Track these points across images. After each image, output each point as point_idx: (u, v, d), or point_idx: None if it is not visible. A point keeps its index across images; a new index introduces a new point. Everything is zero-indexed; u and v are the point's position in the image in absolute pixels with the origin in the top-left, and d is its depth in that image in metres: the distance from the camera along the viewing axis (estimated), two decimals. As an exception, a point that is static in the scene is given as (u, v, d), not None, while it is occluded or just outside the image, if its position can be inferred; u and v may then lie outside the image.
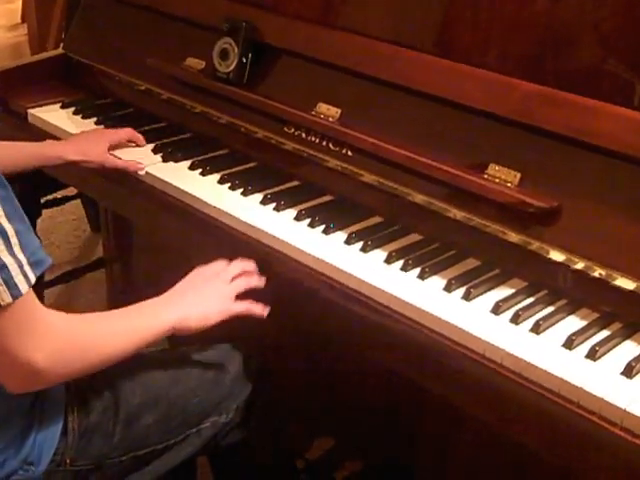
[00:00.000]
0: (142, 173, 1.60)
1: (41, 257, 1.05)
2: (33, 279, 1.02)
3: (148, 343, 1.20)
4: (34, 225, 2.07)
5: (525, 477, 1.53)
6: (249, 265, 1.35)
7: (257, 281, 1.35)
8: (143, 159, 1.63)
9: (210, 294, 1.29)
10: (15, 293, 1.00)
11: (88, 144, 1.63)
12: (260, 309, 1.32)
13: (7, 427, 1.18)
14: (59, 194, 2.53)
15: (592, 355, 1.11)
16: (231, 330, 1.76)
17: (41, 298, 2.31)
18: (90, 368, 1.14)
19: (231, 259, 1.36)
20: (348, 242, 1.36)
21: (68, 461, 1.23)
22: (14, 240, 1.00)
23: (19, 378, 1.07)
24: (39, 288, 2.29)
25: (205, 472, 1.60)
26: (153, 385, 1.33)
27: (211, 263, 1.34)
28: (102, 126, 1.79)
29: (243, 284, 1.33)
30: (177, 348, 1.48)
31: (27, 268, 1.01)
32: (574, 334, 1.14)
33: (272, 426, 1.49)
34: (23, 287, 1.00)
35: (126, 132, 1.69)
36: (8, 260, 0.99)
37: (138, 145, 1.69)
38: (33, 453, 1.19)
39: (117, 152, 1.66)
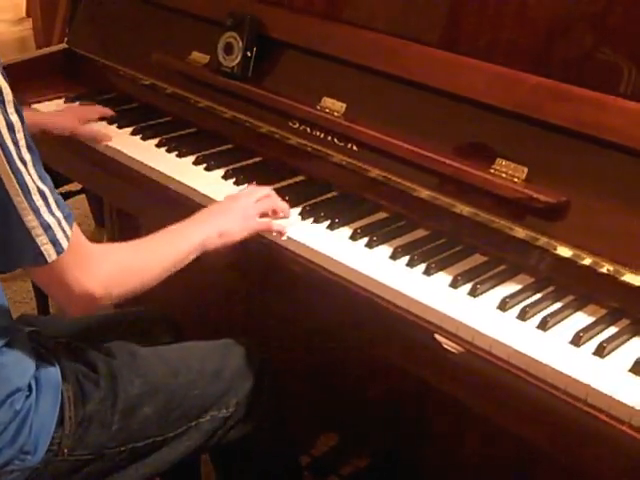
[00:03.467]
0: (110, 144, 1.67)
1: (68, 211, 1.10)
2: (70, 232, 1.09)
3: (183, 261, 1.27)
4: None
5: (531, 473, 1.52)
6: (274, 193, 1.44)
7: (282, 204, 1.42)
8: (149, 154, 1.63)
9: (236, 213, 1.36)
10: (59, 249, 1.07)
11: (58, 117, 1.75)
12: (281, 227, 1.38)
13: (2, 415, 1.17)
14: (63, 189, 2.52)
15: (600, 352, 1.10)
16: (233, 324, 1.76)
17: (45, 295, 2.32)
18: (138, 287, 1.21)
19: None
20: (353, 238, 1.35)
21: (65, 451, 1.22)
22: (51, 199, 1.07)
23: (80, 306, 1.16)
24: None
25: (208, 472, 1.59)
26: (153, 376, 1.33)
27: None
28: (105, 122, 1.78)
29: (268, 203, 1.40)
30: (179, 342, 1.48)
31: (64, 223, 1.08)
32: (582, 331, 1.13)
33: (276, 422, 1.48)
34: (64, 243, 1.07)
35: (98, 110, 1.79)
36: (50, 220, 1.06)
37: (115, 119, 1.77)
38: (29, 442, 1.19)
39: (120, 146, 1.65)
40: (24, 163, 1.03)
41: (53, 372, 1.25)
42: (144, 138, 1.71)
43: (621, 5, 1.25)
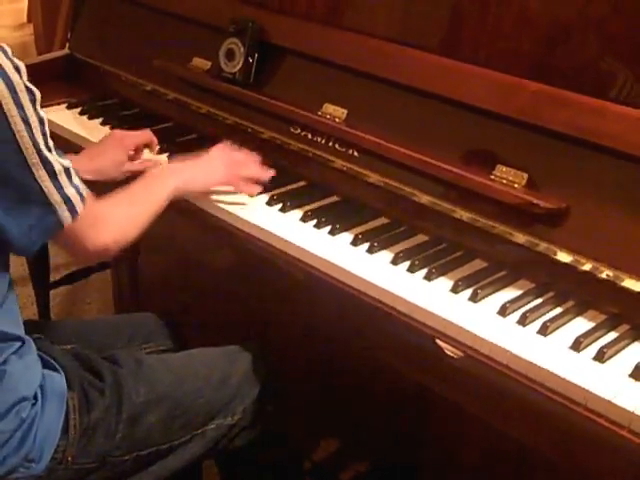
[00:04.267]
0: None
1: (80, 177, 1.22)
2: (86, 194, 1.21)
3: (162, 207, 1.37)
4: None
5: (530, 479, 1.53)
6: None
7: (261, 169, 1.51)
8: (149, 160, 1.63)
9: (216, 163, 1.49)
10: (74, 215, 1.18)
11: (104, 160, 1.56)
12: (252, 188, 1.49)
13: (7, 424, 1.18)
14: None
15: (600, 357, 1.10)
16: (234, 329, 1.76)
17: (47, 299, 2.32)
18: (135, 234, 1.32)
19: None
20: (354, 243, 1.36)
21: (70, 459, 1.23)
22: (72, 171, 1.19)
23: (95, 258, 1.39)
24: (45, 288, 2.30)
25: (211, 473, 1.60)
26: (158, 384, 1.33)
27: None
28: (108, 126, 1.79)
29: (247, 160, 1.51)
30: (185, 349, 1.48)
31: (82, 189, 1.20)
32: (581, 336, 1.13)
33: (278, 427, 1.49)
34: (79, 207, 1.18)
35: (144, 135, 1.63)
36: (70, 191, 1.17)
37: (150, 148, 1.65)
38: (34, 450, 1.19)
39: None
40: (50, 149, 1.14)
41: (58, 380, 1.26)
42: (146, 144, 1.71)
43: (620, 12, 1.26)
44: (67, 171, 1.17)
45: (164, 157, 1.65)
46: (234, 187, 1.48)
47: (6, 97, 1.07)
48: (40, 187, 1.13)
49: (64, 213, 1.16)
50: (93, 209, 1.22)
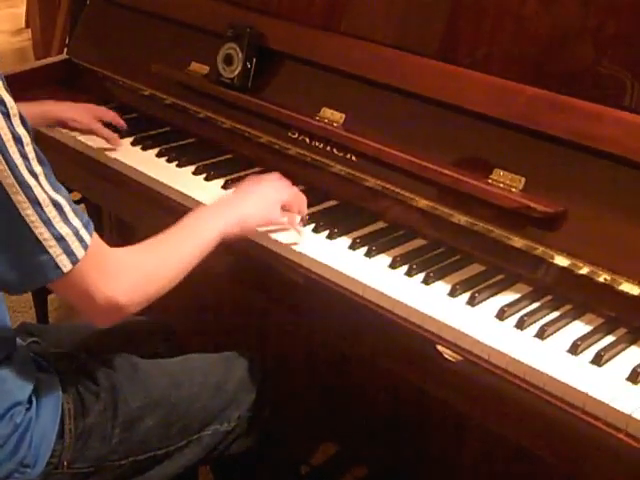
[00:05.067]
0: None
1: (87, 218, 1.09)
2: (89, 240, 1.07)
3: (203, 253, 1.24)
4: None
5: (530, 479, 1.53)
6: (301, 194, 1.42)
7: (302, 199, 1.41)
8: (149, 164, 1.63)
9: (257, 199, 1.35)
10: (73, 259, 1.05)
11: (77, 109, 1.74)
12: (299, 225, 1.38)
13: (2, 427, 1.17)
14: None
15: (597, 361, 1.10)
16: (232, 333, 1.76)
17: (45, 304, 2.32)
18: (163, 289, 1.18)
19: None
20: (352, 247, 1.36)
21: (65, 463, 1.22)
22: (67, 209, 1.05)
23: (104, 315, 1.14)
24: (43, 294, 2.30)
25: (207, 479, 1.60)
26: (154, 389, 1.33)
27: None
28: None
29: (290, 194, 1.40)
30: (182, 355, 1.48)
31: (82, 232, 1.07)
32: (579, 339, 1.14)
33: (276, 432, 1.49)
34: (79, 252, 1.05)
35: (111, 113, 1.78)
36: (64, 231, 1.04)
37: (117, 128, 1.76)
38: (29, 455, 1.18)
39: (120, 156, 1.66)
40: (35, 176, 1.02)
41: (53, 384, 1.25)
42: (144, 148, 1.71)
43: (617, 17, 1.26)
44: (57, 205, 1.03)
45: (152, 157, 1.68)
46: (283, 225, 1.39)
47: None
48: (20, 215, 1.01)
49: (59, 256, 1.04)
50: (102, 256, 1.10)
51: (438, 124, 1.41)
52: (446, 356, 1.16)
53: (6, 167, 0.99)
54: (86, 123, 1.71)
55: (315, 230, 1.41)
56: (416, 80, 1.43)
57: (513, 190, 1.29)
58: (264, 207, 1.35)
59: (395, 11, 1.53)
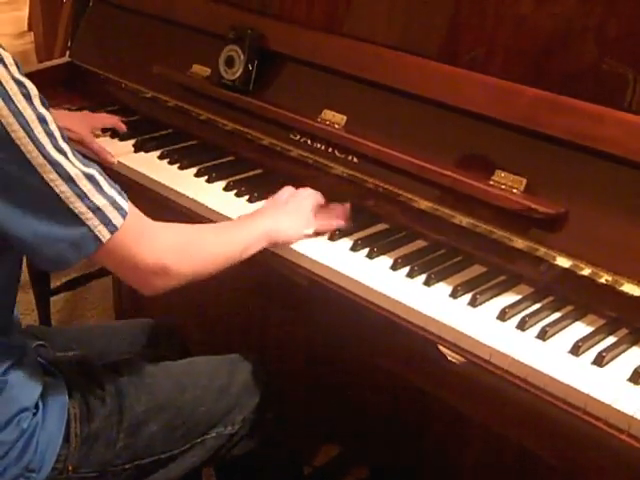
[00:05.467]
0: (113, 161, 1.65)
1: (119, 188, 1.11)
2: (126, 207, 1.09)
3: (244, 252, 1.27)
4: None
5: (531, 479, 1.53)
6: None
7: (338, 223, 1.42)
8: (151, 167, 1.64)
9: (297, 211, 1.38)
10: (111, 228, 1.07)
11: (72, 119, 1.71)
12: (340, 223, 1.40)
13: (8, 434, 1.17)
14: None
15: (599, 361, 1.10)
16: (234, 335, 1.76)
17: (47, 306, 2.33)
18: (202, 267, 1.20)
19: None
20: (354, 249, 1.36)
21: (70, 468, 1.22)
22: (101, 180, 1.07)
23: (152, 282, 1.15)
24: (46, 295, 2.30)
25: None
26: (159, 393, 1.33)
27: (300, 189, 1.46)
28: (108, 133, 1.80)
29: (334, 210, 1.43)
30: (185, 356, 1.48)
31: (119, 200, 1.09)
32: (581, 340, 1.14)
33: (278, 433, 1.49)
34: (117, 220, 1.07)
35: (110, 119, 1.78)
36: (101, 202, 1.06)
37: (118, 131, 1.76)
38: (35, 460, 1.18)
39: (122, 158, 1.67)
40: (63, 153, 1.04)
41: (59, 388, 1.25)
42: (146, 150, 1.72)
43: (618, 18, 1.27)
44: (91, 178, 1.06)
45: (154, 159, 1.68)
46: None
47: None
48: (55, 192, 1.03)
49: (98, 226, 1.06)
50: (142, 223, 1.13)
51: (439, 125, 1.41)
52: (449, 357, 1.16)
53: (34, 147, 1.01)
54: (79, 133, 1.68)
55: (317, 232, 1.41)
56: (417, 81, 1.43)
57: (514, 191, 1.29)
58: (304, 222, 1.38)
59: (396, 13, 1.53)
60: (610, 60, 1.28)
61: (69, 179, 1.03)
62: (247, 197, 1.52)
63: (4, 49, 1.01)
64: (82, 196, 1.05)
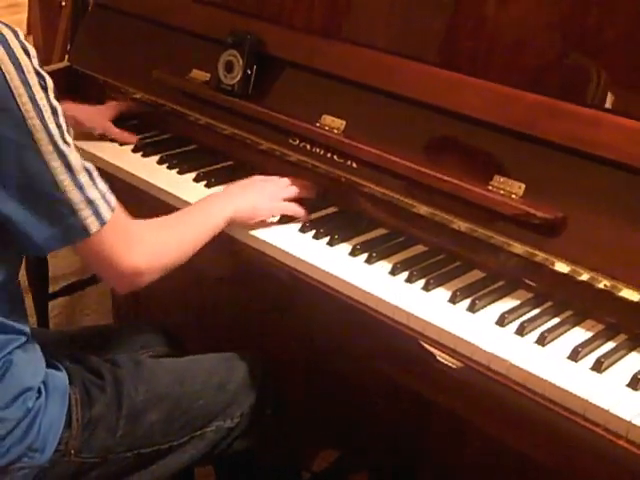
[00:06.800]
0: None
1: (107, 186, 1.18)
2: (114, 202, 1.17)
3: (214, 232, 1.35)
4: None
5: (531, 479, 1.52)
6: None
7: (307, 191, 1.51)
8: (150, 171, 1.64)
9: (261, 192, 1.46)
10: (101, 221, 1.14)
11: (91, 112, 1.82)
12: (303, 212, 1.46)
13: (13, 412, 1.19)
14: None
15: (598, 367, 1.11)
16: (232, 338, 1.76)
17: (45, 310, 2.33)
18: (176, 261, 1.28)
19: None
20: (353, 254, 1.36)
21: (72, 452, 1.25)
22: (95, 174, 1.15)
23: (126, 281, 1.22)
24: (44, 300, 2.30)
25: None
26: (157, 385, 1.35)
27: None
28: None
29: (294, 189, 1.49)
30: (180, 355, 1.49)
31: (108, 195, 1.16)
32: (579, 346, 1.14)
33: (277, 437, 1.49)
34: (107, 215, 1.14)
35: (120, 106, 1.88)
36: (94, 195, 1.13)
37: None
38: (38, 440, 1.21)
39: (121, 162, 1.67)
40: (68, 144, 1.11)
41: (60, 376, 1.28)
42: (145, 155, 1.72)
43: (616, 25, 1.27)
44: (89, 172, 1.13)
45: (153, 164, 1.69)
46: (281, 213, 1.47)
47: (11, 73, 1.04)
48: (55, 180, 1.09)
49: (88, 218, 1.12)
50: (126, 223, 1.19)
51: (438, 131, 1.41)
52: (445, 362, 1.16)
53: (45, 136, 1.07)
54: (101, 125, 1.78)
55: (315, 237, 1.41)
56: (416, 87, 1.43)
57: (513, 197, 1.29)
58: (270, 199, 1.44)
59: (395, 18, 1.53)
60: (609, 66, 1.28)
61: (70, 169, 1.10)
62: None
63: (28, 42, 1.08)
64: (80, 187, 1.11)
